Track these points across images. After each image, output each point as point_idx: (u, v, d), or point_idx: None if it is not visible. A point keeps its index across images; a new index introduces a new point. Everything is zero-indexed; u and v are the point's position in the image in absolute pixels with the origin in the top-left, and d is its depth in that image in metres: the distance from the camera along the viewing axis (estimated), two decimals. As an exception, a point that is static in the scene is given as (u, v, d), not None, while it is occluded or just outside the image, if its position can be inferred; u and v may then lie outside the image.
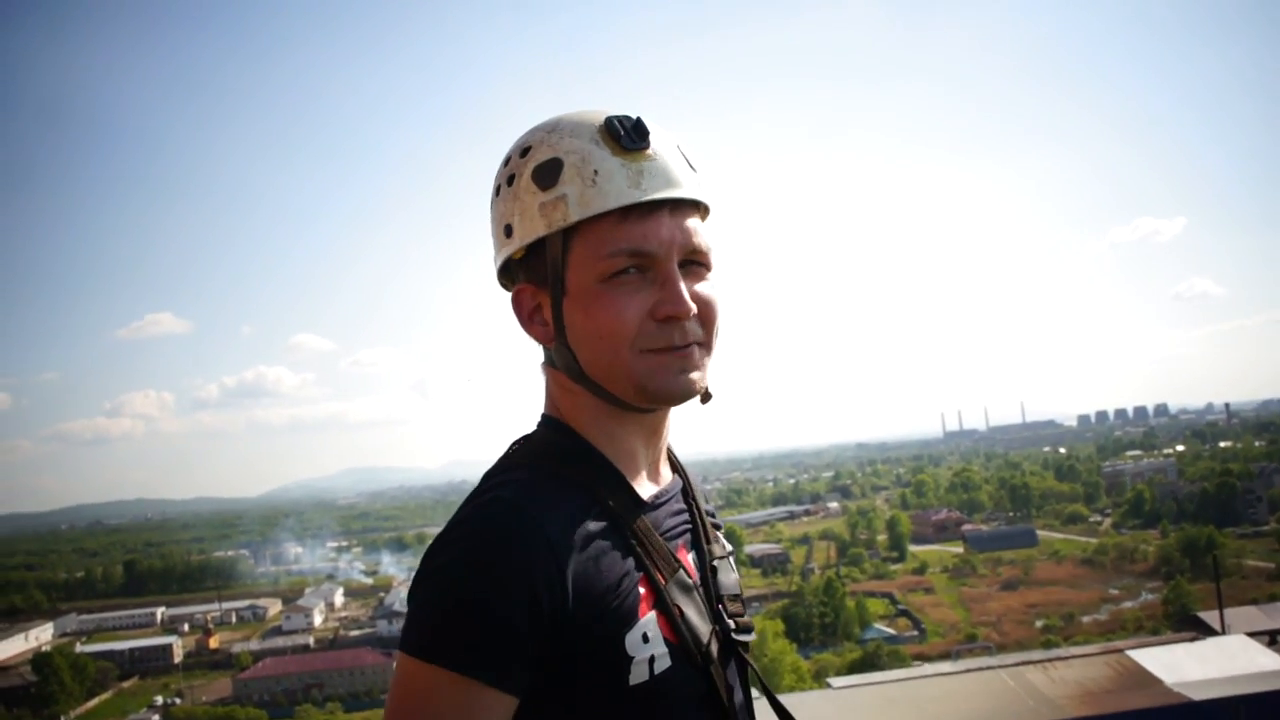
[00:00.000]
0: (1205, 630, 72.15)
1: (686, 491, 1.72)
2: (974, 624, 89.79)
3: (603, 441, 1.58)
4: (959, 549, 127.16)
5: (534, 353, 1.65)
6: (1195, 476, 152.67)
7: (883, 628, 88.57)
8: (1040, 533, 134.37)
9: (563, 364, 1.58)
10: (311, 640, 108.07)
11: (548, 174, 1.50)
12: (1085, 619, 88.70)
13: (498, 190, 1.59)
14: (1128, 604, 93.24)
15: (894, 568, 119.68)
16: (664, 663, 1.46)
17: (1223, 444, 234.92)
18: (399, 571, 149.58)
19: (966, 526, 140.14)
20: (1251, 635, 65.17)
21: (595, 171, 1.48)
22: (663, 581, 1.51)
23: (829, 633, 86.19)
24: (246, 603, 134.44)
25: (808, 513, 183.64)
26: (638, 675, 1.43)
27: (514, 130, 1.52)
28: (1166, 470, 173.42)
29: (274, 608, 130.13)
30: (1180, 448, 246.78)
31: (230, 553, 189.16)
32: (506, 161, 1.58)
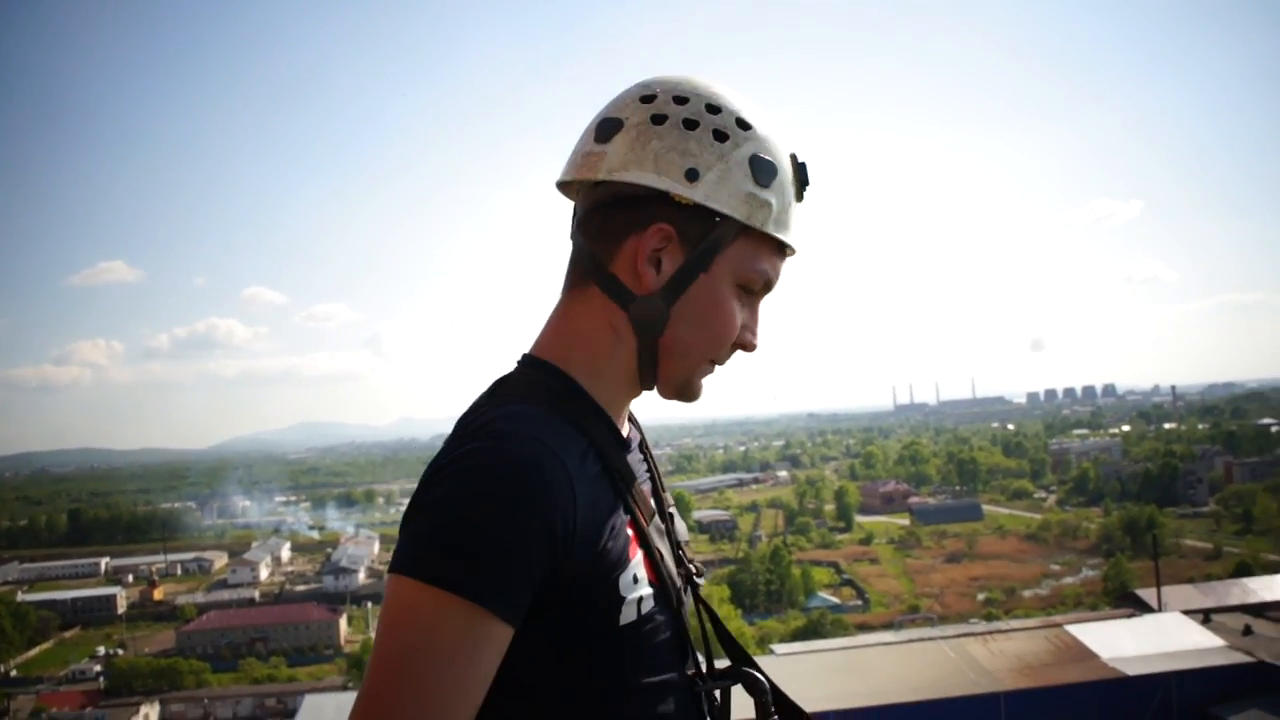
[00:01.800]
0: (1143, 607, 73.43)
1: (643, 443, 1.74)
2: (917, 595, 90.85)
3: (597, 389, 1.57)
4: (905, 521, 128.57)
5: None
6: (1139, 457, 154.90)
7: (827, 596, 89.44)
8: (986, 507, 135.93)
9: (644, 315, 1.53)
10: (257, 594, 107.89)
11: (765, 173, 1.53)
12: (1026, 593, 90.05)
13: (688, 124, 1.52)
14: (1069, 580, 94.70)
15: (840, 537, 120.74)
16: (649, 604, 1.49)
17: (1167, 426, 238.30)
18: (347, 527, 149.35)
19: (913, 499, 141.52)
20: (1186, 613, 66.27)
21: (788, 201, 1.56)
22: (644, 524, 1.54)
23: (774, 600, 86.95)
24: (192, 555, 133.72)
25: (757, 480, 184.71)
26: (627, 615, 1.46)
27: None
28: (1112, 450, 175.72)
29: (220, 561, 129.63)
30: (1126, 428, 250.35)
31: (177, 504, 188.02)
32: (713, 109, 1.54)
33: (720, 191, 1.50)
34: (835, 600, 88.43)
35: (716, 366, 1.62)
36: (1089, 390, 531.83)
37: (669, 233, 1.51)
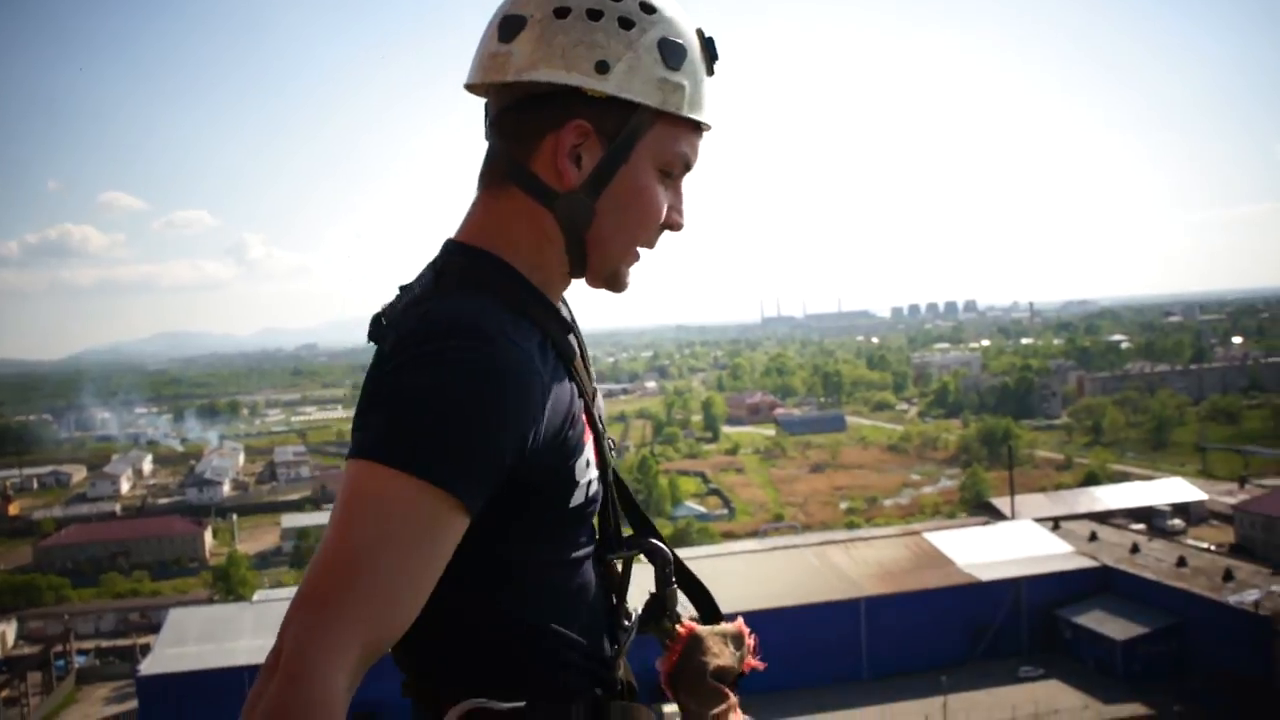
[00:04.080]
0: (997, 515, 76.21)
1: (573, 319, 1.75)
2: (782, 504, 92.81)
3: (534, 280, 1.58)
4: (771, 432, 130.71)
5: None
6: (998, 371, 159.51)
7: (694, 505, 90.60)
8: (850, 419, 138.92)
9: (569, 213, 1.54)
10: (118, 507, 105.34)
11: (675, 56, 1.53)
12: (887, 502, 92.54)
13: (591, 14, 1.50)
14: (928, 489, 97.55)
15: (707, 448, 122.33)
16: (595, 485, 1.57)
17: (1025, 341, 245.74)
18: (211, 438, 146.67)
19: (779, 410, 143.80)
20: (1038, 521, 68.72)
21: (700, 81, 1.57)
22: (591, 407, 1.62)
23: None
24: (49, 469, 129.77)
25: (625, 391, 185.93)
26: (577, 498, 1.53)
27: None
28: (971, 364, 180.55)
29: (78, 474, 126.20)
30: (985, 343, 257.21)
31: (31, 417, 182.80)
32: None
33: (632, 81, 1.50)
34: (702, 509, 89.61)
35: (645, 251, 1.64)
36: (951, 306, 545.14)
37: (586, 128, 1.51)
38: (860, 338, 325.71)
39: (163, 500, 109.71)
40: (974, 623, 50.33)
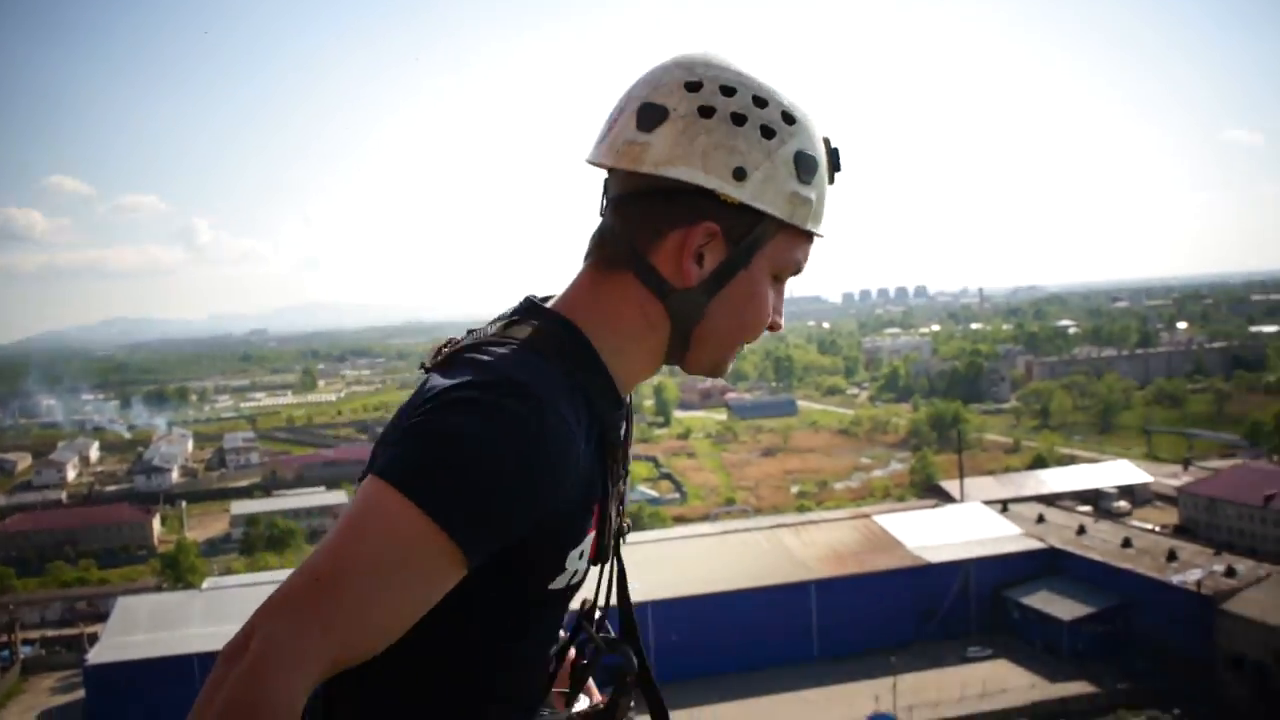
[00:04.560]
0: (946, 498, 76.77)
1: (630, 402, 1.72)
2: (733, 488, 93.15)
3: (615, 365, 1.57)
4: (722, 416, 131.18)
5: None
6: (947, 355, 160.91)
7: (646, 490, 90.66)
8: (801, 403, 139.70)
9: (682, 309, 1.54)
10: (64, 495, 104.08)
11: (807, 169, 1.53)
12: (838, 485, 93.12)
13: (736, 119, 1.50)
14: (878, 472, 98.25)
15: (659, 432, 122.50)
16: (580, 574, 1.55)
17: (974, 326, 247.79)
18: (159, 425, 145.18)
19: (730, 395, 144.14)
20: (986, 503, 69.37)
21: (824, 193, 1.58)
22: (609, 501, 1.58)
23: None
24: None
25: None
26: (559, 583, 1.50)
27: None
28: (921, 348, 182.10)
29: (23, 462, 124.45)
30: (935, 327, 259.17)
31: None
32: (760, 102, 1.52)
33: (765, 191, 1.50)
34: (653, 493, 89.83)
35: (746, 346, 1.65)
36: (901, 291, 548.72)
37: (714, 230, 1.50)
38: (812, 323, 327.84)
39: (110, 488, 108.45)
40: (923, 604, 50.85)
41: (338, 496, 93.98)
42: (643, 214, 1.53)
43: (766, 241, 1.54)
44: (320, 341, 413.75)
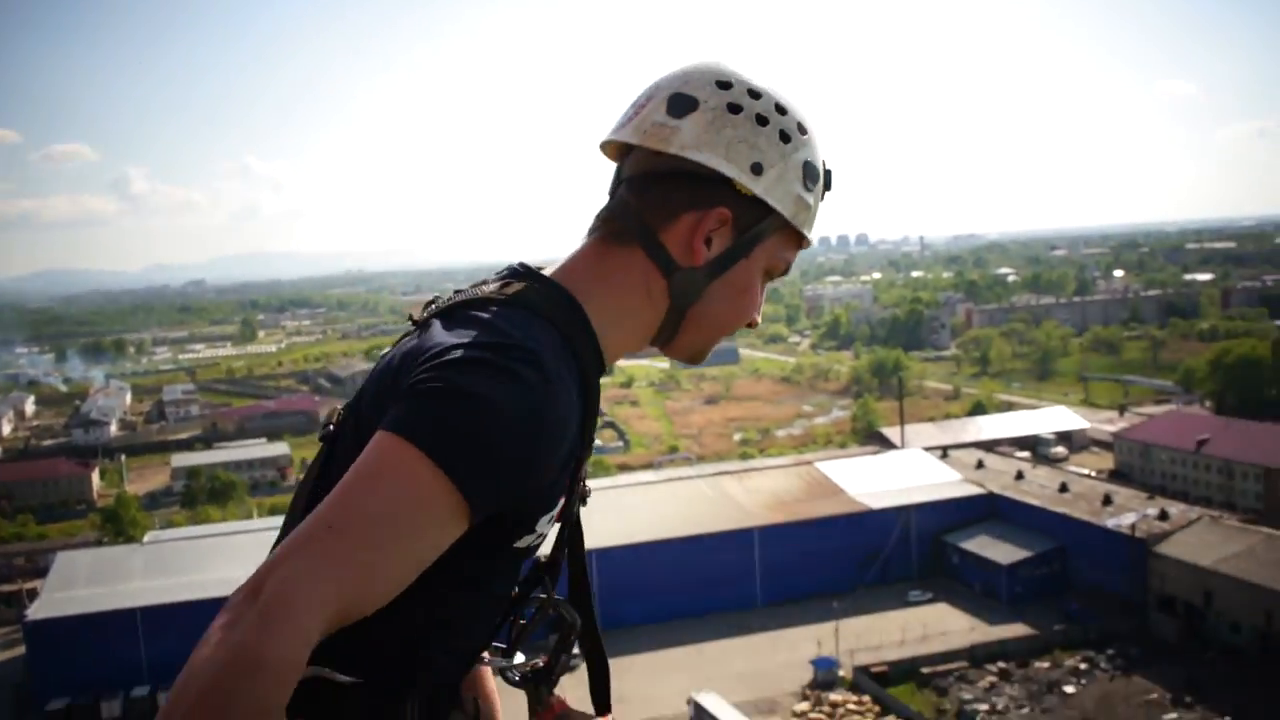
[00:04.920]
0: (887, 445, 77.75)
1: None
2: (677, 436, 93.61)
3: (607, 335, 1.65)
4: (665, 364, 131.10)
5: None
6: (888, 303, 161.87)
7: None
8: (743, 351, 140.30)
9: (684, 287, 1.66)
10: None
11: (812, 179, 1.70)
12: (780, 433, 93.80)
13: (759, 119, 1.65)
14: (820, 420, 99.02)
15: (601, 380, 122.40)
16: (544, 536, 1.63)
17: (915, 274, 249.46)
18: (97, 378, 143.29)
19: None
20: (927, 450, 70.31)
21: (818, 205, 1.73)
22: (582, 468, 1.66)
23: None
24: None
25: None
26: (524, 542, 1.57)
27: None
28: (863, 296, 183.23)
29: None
30: (877, 275, 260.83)
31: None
32: (781, 110, 1.68)
33: (777, 189, 1.65)
34: (598, 442, 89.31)
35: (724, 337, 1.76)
36: (843, 239, 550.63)
37: (727, 217, 1.63)
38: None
39: (47, 442, 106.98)
40: (865, 549, 51.48)
41: (280, 448, 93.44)
42: (661, 193, 1.65)
43: (768, 236, 1.67)
44: (260, 292, 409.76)
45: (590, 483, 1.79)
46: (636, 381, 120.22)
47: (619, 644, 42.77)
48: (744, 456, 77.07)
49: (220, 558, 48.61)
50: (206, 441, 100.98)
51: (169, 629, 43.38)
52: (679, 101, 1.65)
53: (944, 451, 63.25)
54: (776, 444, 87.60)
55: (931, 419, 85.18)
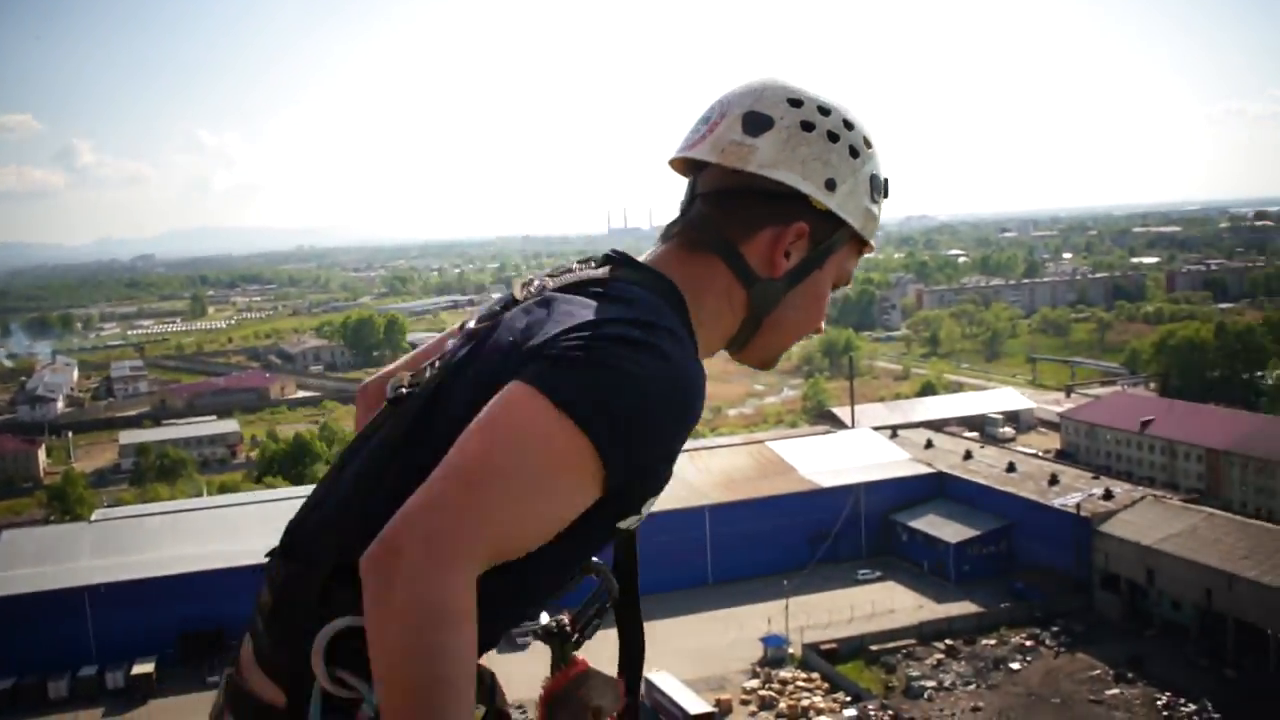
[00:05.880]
0: (838, 424, 78.34)
1: None
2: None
3: (699, 334, 1.70)
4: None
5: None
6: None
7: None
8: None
9: (764, 297, 1.75)
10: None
11: (878, 190, 1.81)
12: (732, 412, 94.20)
13: (831, 136, 1.74)
14: (771, 399, 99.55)
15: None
16: (642, 520, 1.67)
17: (866, 255, 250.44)
18: (43, 353, 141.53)
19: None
20: (877, 429, 70.86)
21: (880, 215, 1.84)
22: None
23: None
24: None
25: (471, 303, 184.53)
26: (628, 524, 1.62)
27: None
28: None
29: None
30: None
31: None
32: (849, 125, 1.77)
33: (849, 203, 1.75)
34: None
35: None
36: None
37: (804, 231, 1.73)
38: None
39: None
40: (815, 528, 51.88)
41: (229, 425, 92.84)
42: (741, 209, 1.73)
43: (839, 247, 1.78)
44: (210, 267, 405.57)
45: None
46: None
47: (570, 622, 42.80)
48: (695, 435, 77.21)
49: (169, 536, 48.32)
50: (155, 418, 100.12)
51: (117, 608, 43.13)
52: (754, 120, 1.72)
53: (893, 431, 63.80)
54: (728, 423, 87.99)
55: (882, 399, 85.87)
